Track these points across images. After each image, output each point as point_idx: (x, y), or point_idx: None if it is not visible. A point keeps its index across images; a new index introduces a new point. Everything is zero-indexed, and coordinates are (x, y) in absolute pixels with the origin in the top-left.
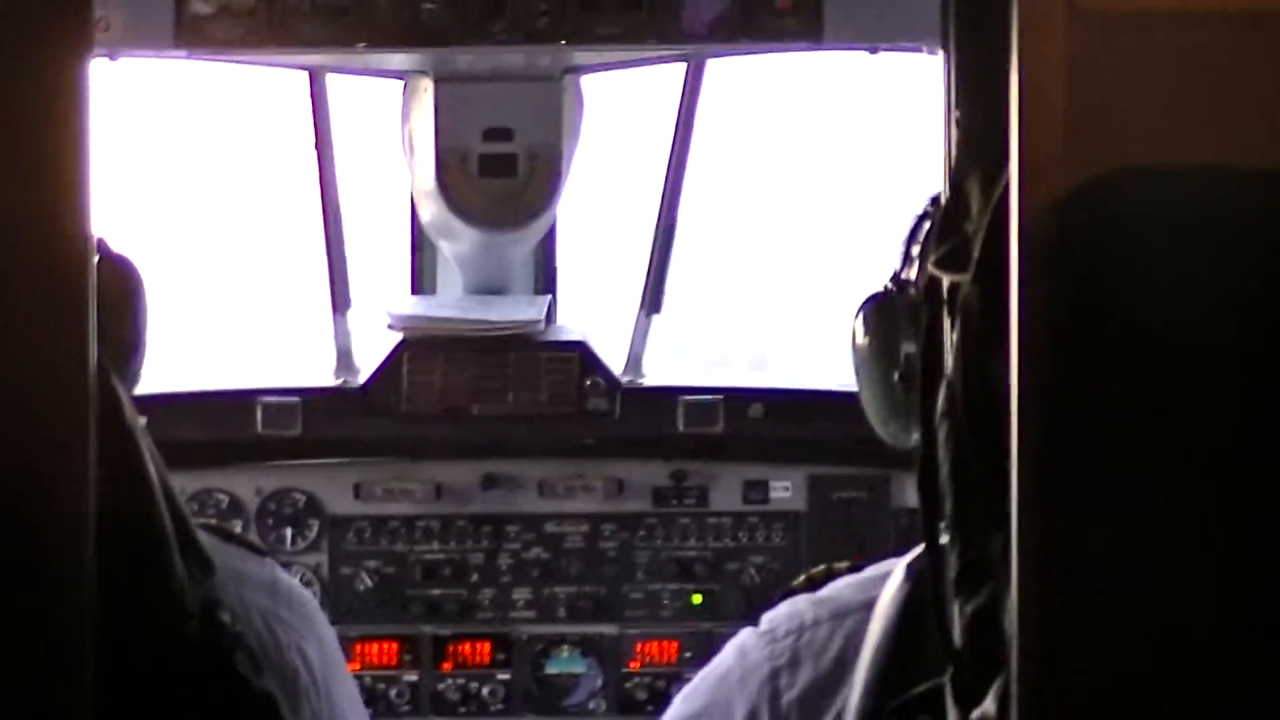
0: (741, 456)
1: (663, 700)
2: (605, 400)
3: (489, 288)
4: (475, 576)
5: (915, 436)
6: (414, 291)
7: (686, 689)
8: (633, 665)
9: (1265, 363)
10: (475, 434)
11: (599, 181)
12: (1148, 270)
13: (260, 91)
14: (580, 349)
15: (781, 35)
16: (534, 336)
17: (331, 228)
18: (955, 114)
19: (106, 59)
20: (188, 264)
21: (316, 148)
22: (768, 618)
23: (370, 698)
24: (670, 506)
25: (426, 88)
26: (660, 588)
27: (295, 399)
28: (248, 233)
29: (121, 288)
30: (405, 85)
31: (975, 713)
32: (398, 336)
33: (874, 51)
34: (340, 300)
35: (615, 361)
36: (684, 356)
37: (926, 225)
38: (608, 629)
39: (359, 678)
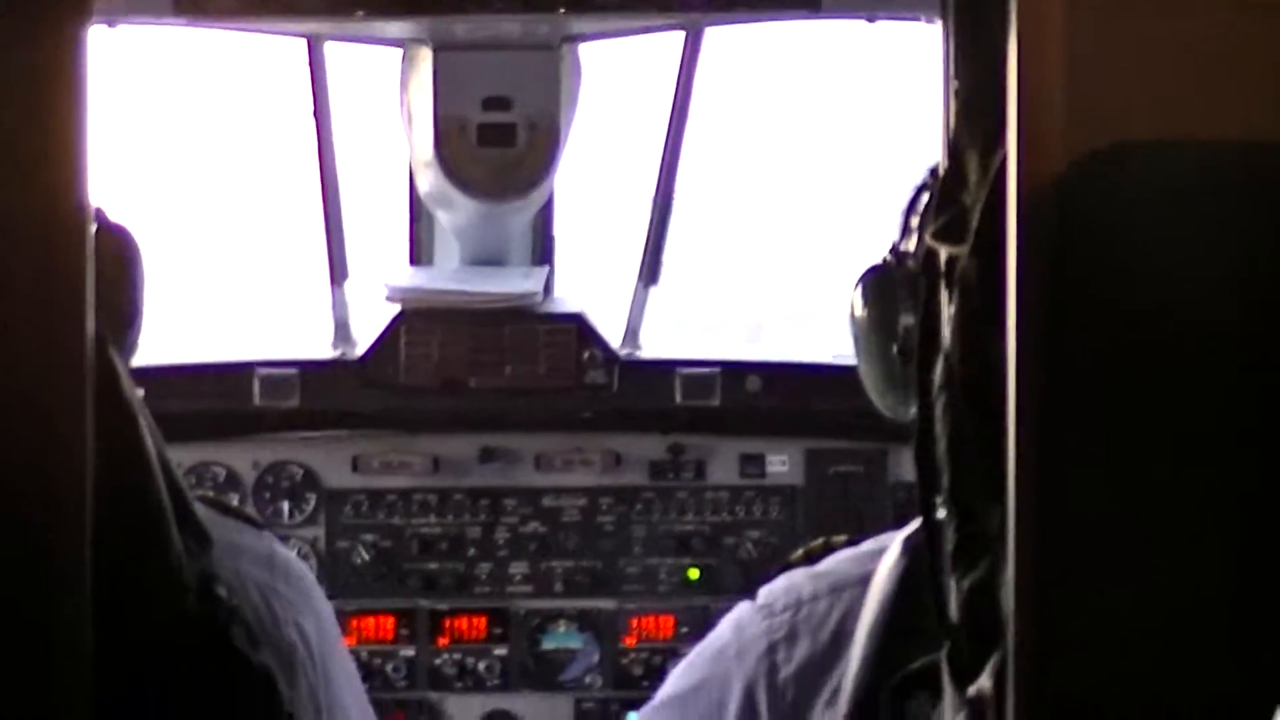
0: (739, 430)
1: (659, 675)
2: (603, 373)
3: (487, 259)
4: (472, 550)
5: (913, 410)
6: (412, 262)
7: (683, 663)
8: (629, 640)
9: (1264, 338)
10: (473, 407)
11: (596, 152)
12: (1146, 244)
13: (258, 60)
14: (578, 321)
15: (780, 4)
16: (532, 308)
17: (329, 198)
18: (954, 84)
19: (105, 26)
20: (185, 234)
21: (315, 117)
22: (765, 592)
23: (367, 672)
24: (667, 480)
25: (425, 56)
26: (657, 562)
27: (293, 371)
28: (245, 203)
29: (119, 258)
30: (404, 54)
31: (972, 688)
32: (395, 308)
33: (872, 20)
34: (338, 271)
35: (613, 333)
36: (679, 327)
37: (926, 196)
38: (605, 604)
39: (355, 652)
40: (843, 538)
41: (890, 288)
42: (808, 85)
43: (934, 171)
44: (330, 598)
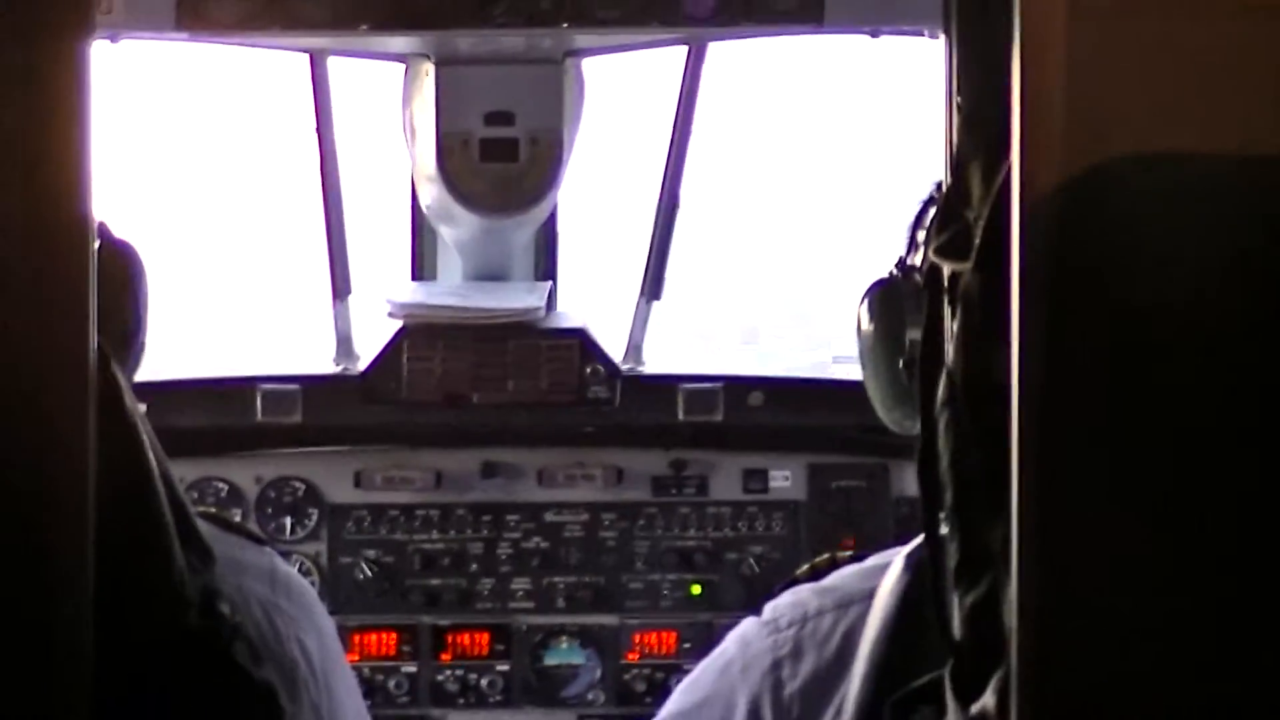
0: (741, 445)
1: (661, 691)
2: (605, 388)
3: (489, 274)
4: (474, 566)
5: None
6: (414, 277)
7: (687, 679)
8: (632, 656)
9: (1269, 352)
10: (475, 422)
11: (599, 167)
12: (1150, 259)
13: (261, 75)
14: (580, 336)
15: (783, 19)
16: (534, 324)
17: (332, 213)
18: (957, 99)
19: (108, 41)
20: (188, 249)
21: (317, 131)
22: (770, 607)
23: (369, 688)
24: (670, 495)
25: (428, 71)
26: (660, 578)
27: (295, 386)
28: (248, 218)
29: (122, 273)
30: (406, 69)
31: (975, 705)
32: (398, 323)
33: (875, 35)
34: (340, 286)
35: (615, 348)
36: (675, 331)
37: (932, 211)
38: (607, 619)
39: (357, 668)
40: (849, 553)
41: (896, 302)
42: (804, 89)
43: (940, 186)
44: (332, 613)
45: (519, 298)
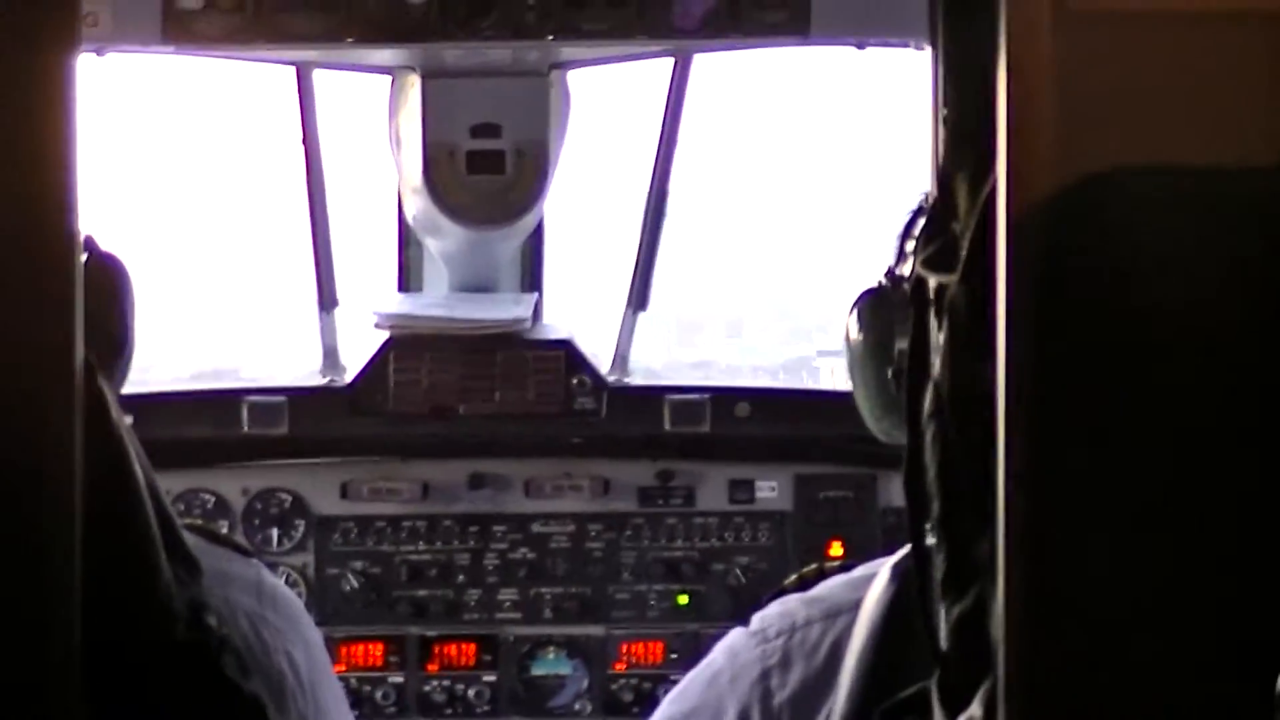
0: (728, 456)
1: (649, 701)
2: (592, 399)
3: (476, 285)
4: (461, 577)
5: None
6: (400, 289)
7: (676, 690)
8: (619, 666)
9: (1257, 365)
10: (462, 433)
11: (582, 179)
12: (1136, 271)
13: (247, 87)
14: (567, 347)
15: (769, 30)
16: (520, 335)
17: (318, 225)
18: (943, 111)
19: (94, 54)
20: (174, 262)
21: (304, 144)
22: (759, 617)
23: (356, 699)
24: (657, 506)
25: (414, 84)
26: (646, 588)
27: (281, 398)
28: (234, 230)
29: (109, 285)
30: (393, 81)
31: (962, 716)
32: (384, 335)
33: (861, 47)
34: (327, 298)
35: (602, 359)
36: (660, 323)
37: (921, 221)
38: (594, 630)
39: (344, 679)
40: (837, 563)
41: (885, 312)
42: (790, 88)
43: (928, 196)
44: (319, 624)
45: (505, 309)
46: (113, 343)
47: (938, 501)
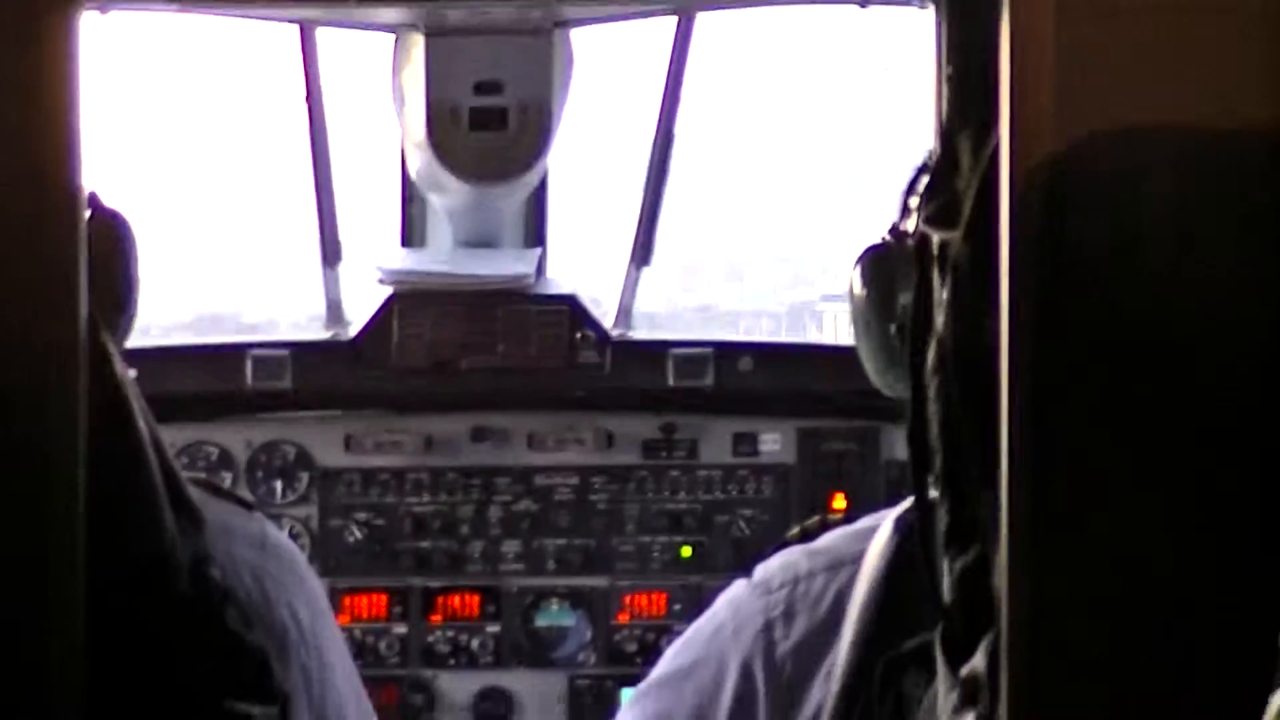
0: (731, 409)
1: (652, 653)
2: (595, 353)
3: (479, 241)
4: (465, 529)
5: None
6: (404, 244)
7: (678, 642)
8: (622, 618)
9: (1261, 322)
10: (465, 387)
11: (590, 135)
12: (1139, 228)
13: (251, 44)
14: (570, 302)
15: None
16: (524, 290)
17: (322, 181)
18: (946, 69)
19: (97, 12)
20: (179, 217)
21: (307, 101)
22: (761, 569)
23: (359, 650)
24: (660, 459)
25: (417, 42)
26: (650, 540)
27: (285, 352)
28: (238, 186)
29: (113, 242)
30: (396, 39)
31: (965, 668)
32: (388, 290)
33: (864, 5)
34: (330, 253)
35: (606, 314)
36: (660, 269)
37: (925, 178)
38: (597, 581)
39: (348, 630)
40: (839, 515)
41: (889, 268)
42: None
43: (931, 154)
44: (323, 576)
45: (509, 264)
46: (116, 299)
47: (940, 455)
